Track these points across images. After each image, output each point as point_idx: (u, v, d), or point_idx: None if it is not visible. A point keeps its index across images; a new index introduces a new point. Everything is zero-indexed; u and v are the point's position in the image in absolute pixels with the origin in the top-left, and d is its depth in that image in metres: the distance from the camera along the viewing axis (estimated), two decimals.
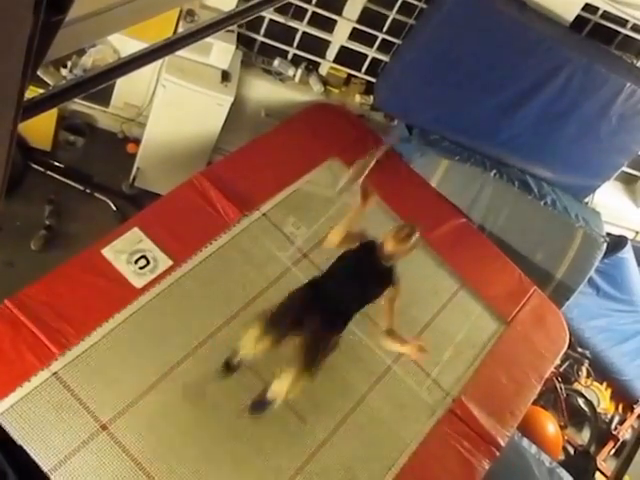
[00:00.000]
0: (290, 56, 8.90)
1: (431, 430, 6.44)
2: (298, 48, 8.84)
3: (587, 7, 8.46)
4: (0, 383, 5.24)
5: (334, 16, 8.58)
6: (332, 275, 5.47)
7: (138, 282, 6.03)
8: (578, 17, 8.44)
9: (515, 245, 8.57)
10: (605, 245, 9.00)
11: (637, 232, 10.49)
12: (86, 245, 6.20)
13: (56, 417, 5.24)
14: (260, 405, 5.76)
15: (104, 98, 8.51)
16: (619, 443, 9.58)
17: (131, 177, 8.54)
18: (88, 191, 8.31)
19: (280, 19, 8.51)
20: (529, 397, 7.22)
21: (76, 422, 5.28)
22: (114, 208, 8.30)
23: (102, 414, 5.37)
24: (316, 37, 8.78)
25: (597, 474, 9.09)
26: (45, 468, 5.04)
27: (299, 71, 8.81)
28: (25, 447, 5.06)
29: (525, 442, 8.00)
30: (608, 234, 9.32)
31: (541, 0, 8.22)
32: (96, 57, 7.81)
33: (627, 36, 8.79)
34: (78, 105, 8.52)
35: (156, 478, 5.32)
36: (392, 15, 8.58)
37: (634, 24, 8.64)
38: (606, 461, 9.35)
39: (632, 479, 7.99)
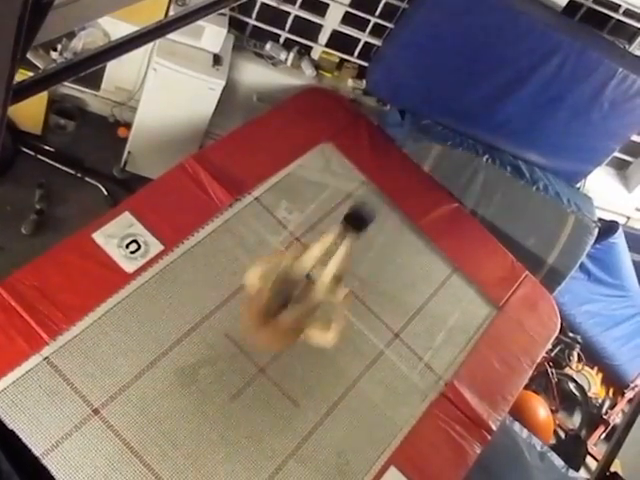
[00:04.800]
0: (282, 40, 8.84)
1: (423, 414, 6.47)
2: (290, 32, 8.79)
3: None
4: None
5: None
6: None
7: (129, 267, 6.02)
8: (570, 2, 8.41)
9: (507, 230, 8.57)
10: (597, 230, 9.01)
11: (629, 217, 10.51)
12: (77, 229, 6.18)
13: (48, 402, 5.24)
14: None
15: (95, 82, 8.45)
16: (610, 427, 9.64)
17: (122, 161, 8.50)
18: (79, 175, 8.27)
19: (272, 2, 8.44)
20: (521, 381, 7.25)
21: (68, 407, 5.27)
22: (105, 192, 8.27)
23: (94, 398, 5.37)
24: (308, 21, 8.73)
25: (588, 458, 9.15)
26: (37, 452, 5.04)
27: (291, 55, 8.76)
28: (17, 431, 5.06)
29: (517, 426, 8.04)
30: (600, 219, 9.33)
31: None
32: (86, 40, 7.75)
33: (619, 21, 8.76)
34: (68, 89, 8.47)
35: (148, 461, 5.32)
36: None
37: (626, 9, 8.62)
38: (597, 445, 9.41)
39: (622, 463, 8.03)
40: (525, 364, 7.29)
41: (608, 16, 8.71)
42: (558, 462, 8.12)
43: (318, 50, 8.96)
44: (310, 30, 8.84)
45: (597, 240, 9.12)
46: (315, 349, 6.34)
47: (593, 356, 9.98)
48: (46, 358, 5.35)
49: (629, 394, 9.92)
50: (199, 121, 8.40)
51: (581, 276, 9.57)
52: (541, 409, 8.97)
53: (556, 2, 8.31)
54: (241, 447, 5.69)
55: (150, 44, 7.48)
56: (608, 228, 9.52)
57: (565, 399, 9.66)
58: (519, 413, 8.18)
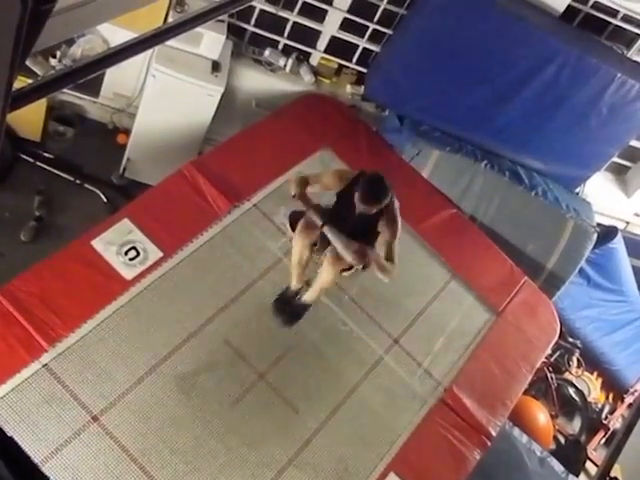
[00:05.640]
0: (281, 46, 8.87)
1: (422, 420, 6.45)
2: (289, 38, 8.81)
3: None
4: None
5: (325, 6, 8.55)
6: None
7: (128, 274, 6.01)
8: (569, 7, 8.44)
9: (506, 235, 8.58)
10: (596, 235, 9.02)
11: (628, 222, 10.51)
12: (76, 236, 6.18)
13: (47, 409, 5.23)
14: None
15: (94, 88, 8.46)
16: (609, 432, 9.63)
17: (121, 168, 8.51)
18: (78, 182, 8.27)
19: (271, 9, 8.47)
20: (520, 387, 7.24)
21: (67, 414, 5.26)
22: (104, 199, 8.27)
23: (93, 405, 5.36)
24: (307, 27, 8.75)
25: (587, 463, 9.14)
26: (36, 460, 5.03)
27: (290, 61, 8.78)
28: (16, 439, 5.05)
29: (516, 431, 8.03)
30: (599, 224, 9.33)
31: None
32: (85, 47, 7.76)
33: (618, 26, 8.79)
34: (67, 95, 8.48)
35: (147, 469, 5.31)
36: (383, 5, 8.56)
37: (625, 14, 8.64)
38: (596, 450, 9.40)
39: (622, 468, 8.03)
40: (524, 369, 7.28)
41: (606, 22, 8.74)
42: (558, 467, 8.11)
43: (317, 56, 8.97)
44: (309, 36, 8.86)
45: (596, 245, 9.13)
46: (314, 355, 6.37)
47: (593, 361, 9.98)
48: (45, 365, 5.34)
49: (629, 399, 9.92)
50: (198, 127, 8.40)
51: (580, 281, 9.57)
52: (541, 414, 8.96)
53: (554, 8, 8.33)
54: (240, 454, 5.68)
55: (149, 51, 7.48)
56: (607, 233, 9.53)
57: (565, 404, 9.65)
58: (519, 418, 8.16)
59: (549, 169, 9.31)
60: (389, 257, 5.57)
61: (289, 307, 6.03)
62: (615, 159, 9.87)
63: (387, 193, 5.36)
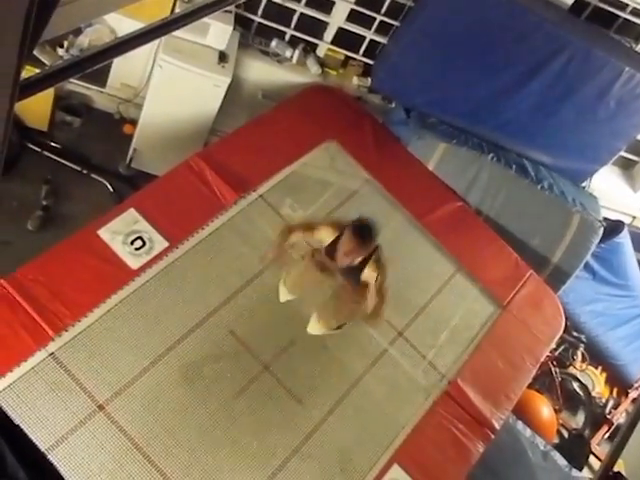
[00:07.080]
0: (288, 37, 8.85)
1: (426, 412, 6.47)
2: (296, 29, 8.80)
3: None
4: None
5: None
6: None
7: (134, 263, 6.03)
8: (577, 0, 8.40)
9: (512, 229, 8.56)
10: (602, 230, 8.98)
11: (634, 217, 10.47)
12: (82, 225, 6.20)
13: (53, 397, 5.26)
14: None
15: (101, 78, 8.47)
16: (613, 427, 9.61)
17: (128, 158, 8.51)
18: (85, 172, 8.28)
19: (278, 0, 8.46)
20: (524, 381, 7.24)
21: (73, 402, 5.29)
22: (111, 189, 8.28)
23: (99, 394, 5.39)
24: (314, 18, 8.72)
25: (591, 457, 9.14)
26: (42, 447, 5.06)
27: (296, 52, 8.76)
28: (22, 427, 5.07)
29: (520, 425, 8.03)
30: (605, 219, 9.29)
31: None
32: (92, 37, 7.76)
33: (626, 20, 8.74)
34: (75, 85, 8.49)
35: (152, 458, 5.34)
36: None
37: (633, 8, 8.60)
38: (600, 445, 9.39)
39: (626, 463, 8.03)
40: (529, 363, 7.29)
41: (615, 15, 8.69)
42: (561, 461, 8.12)
43: (323, 48, 8.96)
44: (316, 27, 8.84)
45: (602, 239, 9.09)
46: (319, 347, 6.38)
47: (597, 356, 9.96)
48: (52, 354, 5.37)
49: (633, 394, 9.91)
50: (204, 118, 8.40)
51: (586, 275, 9.55)
52: (544, 408, 8.96)
53: (563, 0, 8.29)
54: (244, 444, 5.71)
55: (156, 41, 7.48)
56: (613, 227, 9.49)
57: (569, 398, 9.65)
58: (522, 412, 8.17)
59: (556, 163, 9.28)
60: (378, 307, 5.71)
61: None
62: (622, 153, 9.83)
63: (373, 236, 5.38)
